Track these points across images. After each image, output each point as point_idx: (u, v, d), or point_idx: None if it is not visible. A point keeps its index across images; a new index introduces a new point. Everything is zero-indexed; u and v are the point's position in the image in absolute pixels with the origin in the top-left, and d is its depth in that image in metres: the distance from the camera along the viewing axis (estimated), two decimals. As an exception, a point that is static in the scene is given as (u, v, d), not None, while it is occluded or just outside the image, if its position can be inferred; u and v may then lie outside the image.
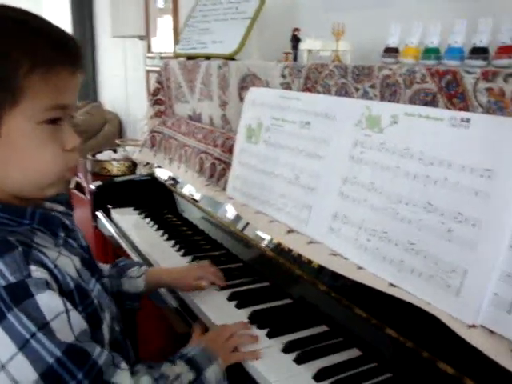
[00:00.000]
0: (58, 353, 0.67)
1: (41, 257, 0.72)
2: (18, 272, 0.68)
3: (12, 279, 0.67)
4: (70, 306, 0.71)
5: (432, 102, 0.88)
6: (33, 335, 0.66)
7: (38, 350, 0.66)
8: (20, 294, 0.67)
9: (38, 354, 0.66)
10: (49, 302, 0.68)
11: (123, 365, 0.76)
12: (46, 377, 0.66)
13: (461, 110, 0.83)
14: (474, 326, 0.72)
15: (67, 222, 0.84)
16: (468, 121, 0.78)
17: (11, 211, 0.74)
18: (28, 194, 0.76)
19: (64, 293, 0.73)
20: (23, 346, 0.65)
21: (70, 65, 0.74)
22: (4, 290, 0.66)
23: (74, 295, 0.76)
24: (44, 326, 0.67)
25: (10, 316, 0.65)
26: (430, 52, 1.02)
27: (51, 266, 0.73)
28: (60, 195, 0.84)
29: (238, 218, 1.31)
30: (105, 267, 1.13)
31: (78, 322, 0.72)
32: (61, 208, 0.85)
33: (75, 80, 0.76)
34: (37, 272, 0.69)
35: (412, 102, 0.92)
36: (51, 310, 0.68)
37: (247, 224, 1.27)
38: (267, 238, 1.19)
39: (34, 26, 0.72)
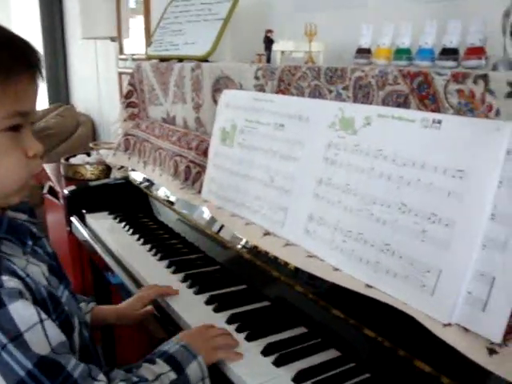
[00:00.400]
0: (30, 365, 0.65)
1: (12, 266, 0.71)
2: None
3: None
4: (44, 316, 0.70)
5: (404, 104, 0.89)
6: (3, 347, 0.65)
7: (9, 363, 0.65)
8: None
9: (9, 367, 0.65)
10: (22, 312, 0.67)
11: (100, 377, 0.74)
12: None
13: (432, 111, 0.84)
14: (449, 325, 0.73)
15: (34, 229, 0.84)
16: (439, 122, 0.79)
17: None
18: None
19: (37, 301, 0.72)
20: None
21: (28, 71, 0.74)
22: None
23: (47, 303, 0.75)
24: (16, 337, 0.66)
25: None
26: (402, 53, 1.03)
27: (23, 274, 0.71)
28: (22, 203, 0.82)
29: (213, 220, 1.31)
30: None
31: (55, 333, 0.71)
32: (24, 217, 0.84)
33: (34, 86, 0.75)
34: (9, 282, 0.68)
35: (385, 103, 0.93)
36: (25, 320, 0.67)
37: (222, 226, 1.27)
38: (243, 240, 1.19)
39: None
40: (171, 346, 0.88)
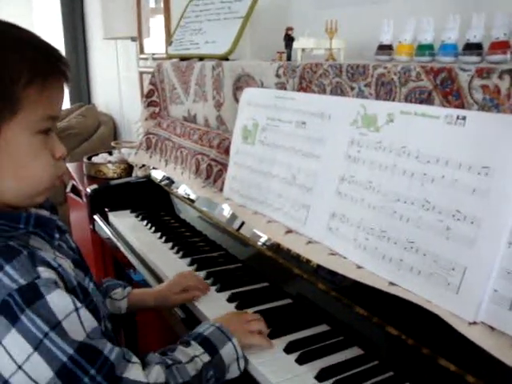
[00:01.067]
0: (71, 351, 0.69)
1: (45, 257, 0.73)
2: (28, 274, 0.69)
3: (22, 281, 0.68)
4: (79, 304, 0.73)
5: (427, 100, 0.88)
6: (46, 335, 0.68)
7: (52, 349, 0.68)
8: (31, 295, 0.69)
9: (52, 353, 0.68)
10: (59, 301, 0.70)
11: (134, 359, 0.77)
12: (61, 374, 0.68)
13: (456, 107, 0.83)
14: (474, 323, 0.72)
15: (60, 223, 0.87)
16: (464, 118, 0.78)
17: (5, 217, 0.75)
18: (19, 202, 0.78)
19: (69, 290, 0.75)
20: (37, 346, 0.67)
21: (60, 76, 0.77)
22: (16, 292, 0.68)
23: (78, 292, 0.78)
24: (56, 325, 0.69)
25: (23, 317, 0.67)
26: (424, 49, 1.02)
27: (56, 265, 0.74)
28: (44, 201, 0.85)
29: (234, 217, 1.31)
30: None
31: (89, 319, 0.74)
32: (46, 213, 0.86)
33: (63, 90, 0.80)
34: (45, 273, 0.71)
35: (407, 100, 0.92)
36: (62, 309, 0.70)
37: (243, 223, 1.27)
38: (265, 237, 1.19)
39: (30, 40, 0.75)
40: (206, 327, 0.90)
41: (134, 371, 0.75)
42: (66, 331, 0.69)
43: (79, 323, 0.71)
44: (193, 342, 0.86)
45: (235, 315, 0.99)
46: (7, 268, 0.69)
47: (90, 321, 0.74)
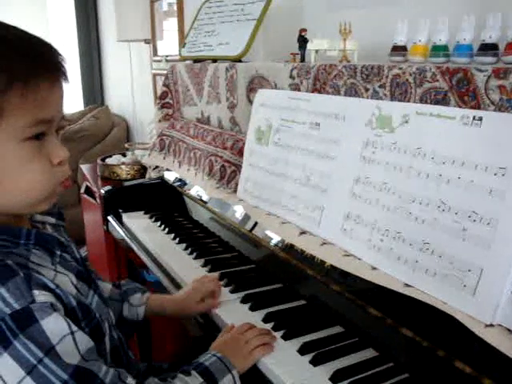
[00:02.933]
0: (65, 376, 0.66)
1: (42, 279, 0.71)
2: (22, 298, 0.66)
3: (16, 306, 0.66)
4: (74, 328, 0.70)
5: (443, 101, 0.88)
6: (40, 361, 0.65)
7: (46, 375, 0.66)
8: (25, 320, 0.66)
9: (46, 379, 0.66)
10: (53, 325, 0.68)
11: (130, 380, 0.75)
12: None
13: (472, 108, 0.82)
14: (491, 325, 0.72)
15: (62, 239, 0.83)
16: (480, 119, 0.77)
17: (6, 232, 0.73)
18: (19, 211, 0.76)
19: (68, 311, 0.73)
20: (31, 371, 0.65)
21: (49, 76, 0.70)
22: (9, 317, 0.65)
23: (77, 312, 0.75)
24: (50, 350, 0.66)
25: (16, 343, 0.65)
26: (439, 49, 1.01)
27: (53, 286, 0.71)
28: (52, 208, 0.82)
29: (247, 218, 1.31)
30: (107, 286, 1.10)
31: (84, 340, 0.71)
32: (52, 220, 0.85)
33: (57, 91, 0.72)
34: (40, 296, 0.68)
35: (423, 100, 0.92)
36: (56, 333, 0.68)
37: (256, 224, 1.27)
38: (278, 238, 1.19)
39: (9, 41, 0.68)
40: (207, 357, 0.88)
41: None
42: (60, 355, 0.67)
43: (74, 346, 0.69)
44: (193, 372, 0.84)
45: (234, 339, 0.95)
46: (1, 291, 0.66)
47: (85, 342, 0.71)
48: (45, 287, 0.70)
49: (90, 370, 0.70)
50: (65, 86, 0.74)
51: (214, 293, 1.14)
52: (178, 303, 1.13)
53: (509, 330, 0.70)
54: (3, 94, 0.65)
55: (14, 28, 0.70)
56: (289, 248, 1.14)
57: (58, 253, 0.80)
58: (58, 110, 0.73)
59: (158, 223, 1.68)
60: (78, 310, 0.75)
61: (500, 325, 0.71)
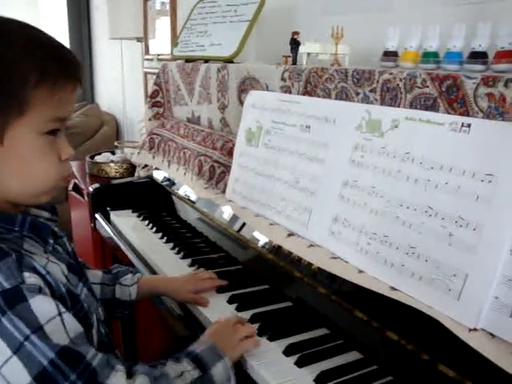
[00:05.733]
0: (52, 355, 0.67)
1: (33, 263, 0.73)
2: (13, 278, 0.68)
3: (6, 285, 0.68)
4: (63, 309, 0.72)
5: (432, 107, 0.89)
6: (27, 338, 0.66)
7: (32, 352, 0.66)
8: (14, 298, 0.68)
9: (32, 357, 0.66)
10: (42, 305, 0.69)
11: (118, 366, 0.75)
12: (40, 379, 0.66)
13: (461, 114, 0.83)
14: (474, 330, 0.73)
15: (56, 228, 0.86)
16: (469, 126, 0.78)
17: (2, 218, 0.75)
18: (22, 200, 0.79)
19: (56, 298, 0.74)
20: (18, 349, 0.66)
21: (73, 79, 0.77)
22: None
23: (66, 300, 0.76)
24: (38, 328, 0.67)
25: (4, 320, 0.66)
26: (429, 56, 1.02)
27: (43, 271, 0.73)
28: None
29: (235, 219, 1.31)
30: (98, 273, 1.13)
31: (73, 324, 0.73)
32: (46, 214, 0.87)
33: (75, 95, 0.79)
34: (30, 278, 0.70)
35: (412, 106, 0.93)
36: (44, 313, 0.69)
37: (243, 225, 1.28)
38: (266, 240, 1.19)
39: (42, 41, 0.75)
40: (198, 345, 0.89)
41: (116, 379, 0.73)
42: (47, 335, 0.68)
43: (62, 328, 0.70)
44: (184, 359, 0.84)
45: (224, 327, 0.96)
46: None
47: (74, 326, 0.72)
48: (35, 271, 0.72)
49: (77, 351, 0.70)
50: None
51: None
52: (170, 284, 1.16)
53: (492, 334, 0.71)
54: (33, 90, 0.71)
55: (46, 33, 0.78)
56: (276, 250, 1.14)
57: (51, 241, 0.83)
58: (70, 111, 0.81)
59: (146, 222, 1.68)
60: (67, 297, 0.77)
61: (483, 329, 0.72)
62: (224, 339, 0.91)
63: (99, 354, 0.73)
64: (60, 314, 0.71)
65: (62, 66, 0.75)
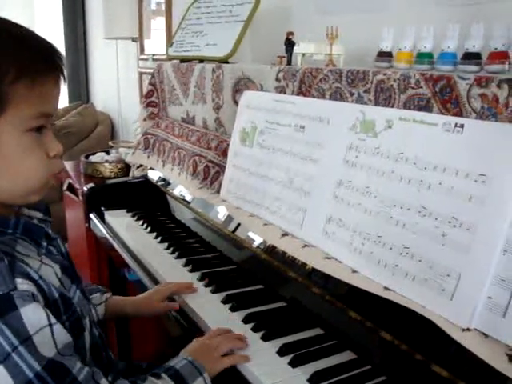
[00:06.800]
0: (38, 368, 0.66)
1: (26, 268, 0.71)
2: (4, 285, 0.67)
3: None
4: (53, 320, 0.70)
5: (426, 107, 0.89)
6: (14, 348, 0.65)
7: (19, 364, 0.65)
8: (4, 306, 0.67)
9: (19, 368, 0.65)
10: (32, 315, 0.68)
11: (103, 381, 0.75)
12: None
13: (455, 115, 0.83)
14: (468, 330, 0.73)
15: (49, 231, 0.85)
16: (462, 126, 0.78)
17: None
18: (11, 200, 0.78)
19: (49, 303, 0.73)
20: (5, 359, 0.65)
21: (54, 74, 0.75)
22: None
23: (59, 304, 0.76)
24: (26, 339, 0.66)
25: None
26: (423, 57, 1.03)
27: (36, 277, 0.72)
28: (38, 202, 0.83)
29: (229, 219, 1.31)
30: None
31: (62, 334, 0.72)
32: (39, 215, 0.86)
33: (58, 89, 0.77)
34: (22, 285, 0.69)
35: (406, 106, 0.93)
36: (34, 323, 0.68)
37: (238, 225, 1.28)
38: (260, 240, 1.19)
39: (18, 36, 0.73)
40: (178, 361, 0.88)
41: None
42: (35, 346, 0.67)
43: (51, 339, 0.69)
44: (163, 375, 0.83)
45: (204, 344, 0.95)
46: None
47: (63, 336, 0.71)
48: (28, 276, 0.71)
49: (63, 365, 0.69)
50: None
51: (181, 290, 1.16)
52: (137, 303, 1.14)
53: (485, 334, 0.71)
54: (11, 86, 0.70)
55: (24, 28, 0.75)
56: (271, 250, 1.14)
57: (45, 244, 0.81)
58: (56, 107, 0.79)
59: (141, 222, 1.67)
60: (60, 302, 0.76)
61: (476, 329, 0.72)
62: (204, 355, 0.90)
63: (85, 368, 0.72)
64: (50, 324, 0.69)
65: (41, 61, 0.73)
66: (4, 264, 0.69)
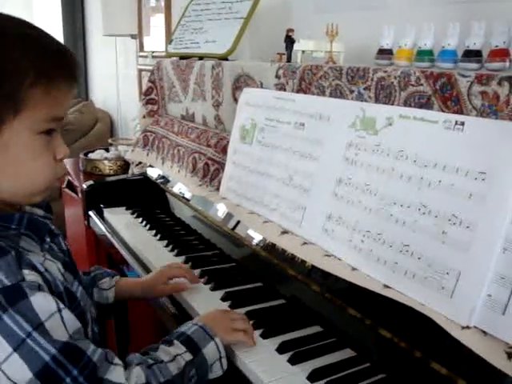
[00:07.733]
0: (54, 350, 0.68)
1: (32, 260, 0.73)
2: (12, 276, 0.69)
3: (7, 282, 0.68)
4: (61, 306, 0.72)
5: (426, 105, 0.89)
6: (29, 335, 0.67)
7: (35, 349, 0.67)
8: (15, 296, 0.68)
9: (34, 353, 0.67)
10: (42, 302, 0.70)
11: (116, 360, 0.76)
12: (42, 374, 0.67)
13: (455, 112, 0.83)
14: (467, 327, 0.73)
15: (52, 227, 0.86)
16: (462, 124, 0.78)
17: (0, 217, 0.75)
18: (15, 200, 0.79)
19: (54, 295, 0.74)
20: (19, 345, 0.67)
21: (69, 78, 0.77)
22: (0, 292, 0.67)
23: (64, 297, 0.77)
24: (39, 325, 0.68)
25: (5, 317, 0.67)
26: (424, 54, 1.02)
27: (42, 269, 0.74)
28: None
29: (229, 217, 1.31)
30: None
31: (72, 320, 0.73)
32: (41, 212, 0.86)
33: (71, 92, 0.79)
34: (30, 276, 0.71)
35: (407, 104, 0.93)
36: (45, 310, 0.70)
37: (238, 223, 1.27)
38: (260, 237, 1.19)
39: (37, 39, 0.75)
40: (189, 326, 0.89)
41: (115, 373, 0.74)
42: (48, 331, 0.69)
43: (62, 324, 0.71)
44: (175, 341, 0.85)
45: (220, 313, 0.98)
46: None
47: (72, 322, 0.73)
48: (34, 268, 0.72)
49: (78, 347, 0.71)
50: None
51: (183, 277, 1.16)
52: (144, 285, 1.15)
53: (484, 332, 0.71)
54: (29, 89, 0.71)
55: (42, 30, 0.77)
56: (270, 247, 1.14)
57: (48, 240, 0.83)
58: (67, 111, 0.81)
59: (140, 219, 1.67)
60: (65, 295, 0.78)
61: (476, 327, 0.72)
62: (217, 323, 0.91)
63: (99, 349, 0.74)
64: (59, 310, 0.71)
65: (58, 66, 0.75)
66: (11, 256, 0.70)
